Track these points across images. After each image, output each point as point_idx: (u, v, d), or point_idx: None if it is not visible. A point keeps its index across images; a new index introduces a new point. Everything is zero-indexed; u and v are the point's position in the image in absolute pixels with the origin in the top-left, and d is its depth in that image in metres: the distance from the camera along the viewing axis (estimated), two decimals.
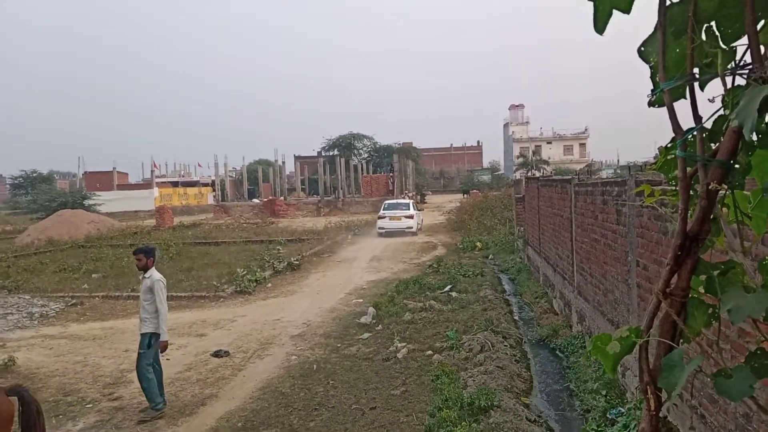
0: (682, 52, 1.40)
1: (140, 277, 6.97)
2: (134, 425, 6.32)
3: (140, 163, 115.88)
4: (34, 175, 78.08)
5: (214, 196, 52.95)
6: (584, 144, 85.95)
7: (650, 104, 1.50)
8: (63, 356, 8.91)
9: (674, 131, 1.41)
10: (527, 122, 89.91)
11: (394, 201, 29.53)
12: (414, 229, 25.52)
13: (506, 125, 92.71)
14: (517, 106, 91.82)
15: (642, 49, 1.49)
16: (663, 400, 1.53)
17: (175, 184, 68.03)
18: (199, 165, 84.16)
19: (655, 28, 1.41)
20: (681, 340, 1.46)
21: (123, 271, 16.64)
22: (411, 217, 25.72)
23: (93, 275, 16.16)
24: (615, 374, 1.57)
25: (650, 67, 1.49)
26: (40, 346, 9.51)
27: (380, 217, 26.18)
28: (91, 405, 6.93)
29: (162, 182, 66.54)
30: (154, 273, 6.92)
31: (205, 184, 69.39)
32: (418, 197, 49.22)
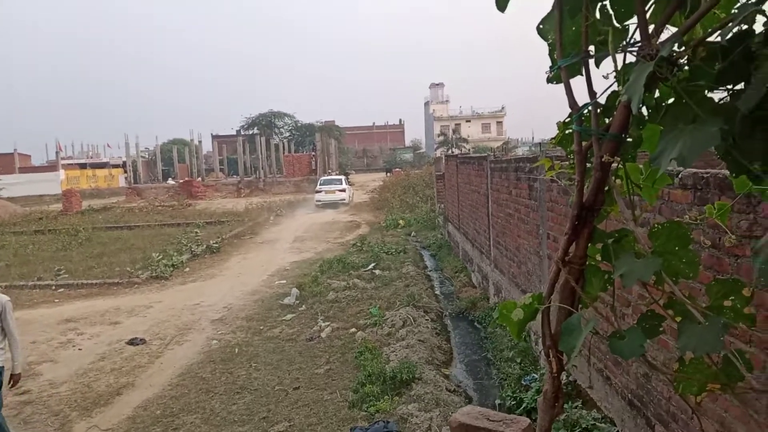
0: (578, 30, 1.44)
1: None
2: (45, 419, 6.00)
3: (44, 144, 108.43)
4: None
5: (126, 178, 50.50)
6: (501, 122, 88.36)
7: (548, 80, 1.55)
8: None
9: (570, 106, 1.47)
10: (447, 101, 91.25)
11: (329, 177, 33.46)
12: (346, 201, 29.36)
13: (427, 104, 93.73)
14: (438, 84, 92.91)
15: (541, 27, 1.53)
16: (565, 362, 1.62)
17: (83, 166, 64.25)
18: (109, 146, 79.76)
19: (553, 7, 1.45)
20: (580, 306, 1.54)
21: (27, 259, 15.63)
22: (344, 190, 29.60)
23: None
24: (521, 339, 1.64)
25: (548, 45, 1.53)
26: None
27: (317, 191, 29.60)
28: None
29: (69, 164, 62.61)
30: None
31: (116, 166, 65.95)
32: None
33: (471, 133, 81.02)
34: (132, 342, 8.33)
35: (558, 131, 1.57)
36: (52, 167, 60.95)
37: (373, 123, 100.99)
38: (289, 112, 70.86)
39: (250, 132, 64.43)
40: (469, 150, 52.13)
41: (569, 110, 1.49)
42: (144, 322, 9.47)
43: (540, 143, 19.63)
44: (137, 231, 20.93)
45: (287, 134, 69.93)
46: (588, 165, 1.46)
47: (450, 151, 53.34)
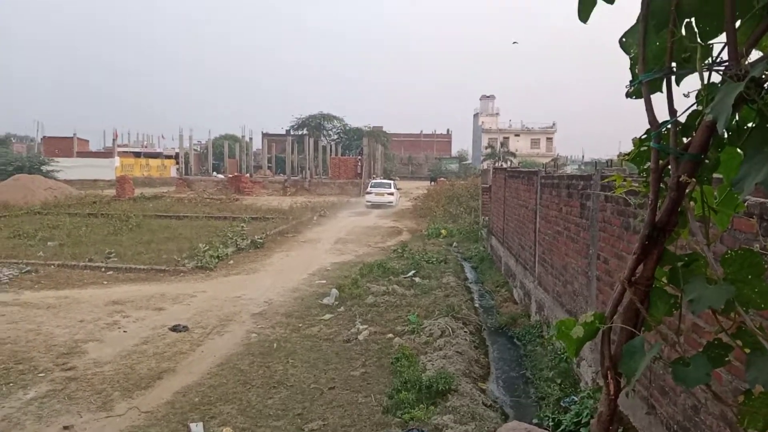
0: (662, 45, 1.41)
1: None
2: (88, 396, 6.20)
3: (102, 131, 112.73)
4: None
5: (177, 169, 51.98)
6: (551, 138, 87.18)
7: (628, 95, 1.52)
8: (15, 324, 8.66)
9: (650, 123, 1.44)
10: (497, 113, 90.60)
11: (379, 181, 37.15)
12: (393, 203, 32.28)
13: (476, 115, 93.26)
14: (488, 96, 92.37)
15: (623, 40, 1.51)
16: (622, 386, 1.58)
17: (137, 155, 66.39)
18: (163, 137, 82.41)
19: (638, 20, 1.43)
20: (643, 328, 1.50)
21: (80, 240, 16.23)
22: (392, 194, 32.72)
23: (49, 243, 15.71)
24: (577, 357, 1.60)
25: (630, 58, 1.51)
26: None
27: (368, 193, 32.92)
28: (43, 374, 6.76)
29: (124, 152, 64.78)
30: None
31: (169, 157, 67.96)
32: None
33: (519, 148, 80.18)
34: (175, 328, 8.54)
35: (633, 147, 1.53)
36: (108, 153, 63.22)
37: (421, 131, 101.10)
38: (339, 115, 71.56)
39: (300, 132, 65.41)
40: (517, 164, 51.54)
41: (645, 128, 1.46)
42: (187, 310, 9.69)
43: (595, 162, 19.23)
44: (185, 221, 21.47)
45: (335, 137, 70.68)
46: (662, 185, 1.43)
47: (497, 164, 52.89)
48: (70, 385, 6.51)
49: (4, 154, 48.97)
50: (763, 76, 1.20)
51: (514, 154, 68.23)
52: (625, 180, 1.86)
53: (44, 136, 67.30)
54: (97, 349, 7.72)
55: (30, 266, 12.54)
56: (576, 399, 5.65)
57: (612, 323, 1.53)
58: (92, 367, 7.05)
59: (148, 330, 8.55)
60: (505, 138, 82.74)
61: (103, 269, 12.74)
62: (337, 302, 10.17)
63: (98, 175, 50.58)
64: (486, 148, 74.51)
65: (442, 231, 20.53)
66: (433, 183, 48.72)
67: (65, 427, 5.49)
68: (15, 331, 8.30)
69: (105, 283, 11.70)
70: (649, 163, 1.46)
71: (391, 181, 36.22)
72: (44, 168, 43.72)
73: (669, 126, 1.40)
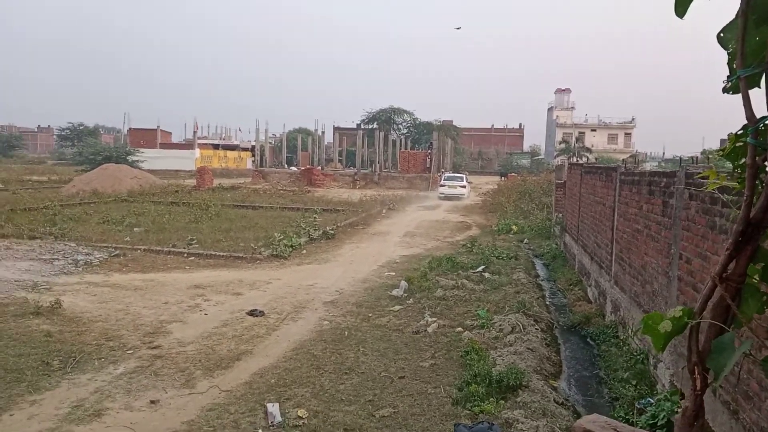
0: (762, 40, 1.40)
1: None
2: (172, 373, 6.59)
3: (183, 123, 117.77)
4: (81, 128, 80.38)
5: (253, 161, 53.58)
6: (630, 134, 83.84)
7: (725, 90, 1.51)
8: (106, 303, 9.28)
9: (747, 118, 1.43)
10: (573, 107, 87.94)
11: (452, 174, 39.09)
12: (465, 195, 34.12)
13: (550, 109, 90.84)
14: (564, 90, 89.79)
15: (721, 35, 1.50)
16: (709, 381, 1.58)
17: (215, 147, 68.98)
18: (240, 130, 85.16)
19: (737, 15, 1.42)
20: (732, 325, 1.50)
21: (164, 227, 17.12)
22: (464, 186, 34.68)
23: (135, 229, 16.66)
24: (663, 351, 1.61)
25: (728, 54, 1.50)
26: (84, 292, 9.92)
27: (441, 185, 34.96)
28: (131, 351, 7.23)
29: (203, 144, 67.48)
30: None
31: (245, 149, 70.18)
32: None
33: (595, 143, 77.56)
34: (252, 313, 8.90)
35: (729, 143, 1.53)
36: (189, 145, 65.98)
37: (492, 125, 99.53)
38: (409, 110, 71.56)
39: (370, 126, 65.87)
40: (594, 160, 49.90)
41: (743, 123, 1.45)
42: (263, 296, 10.08)
43: (679, 159, 18.44)
44: (261, 211, 22.21)
45: (405, 131, 70.73)
46: (758, 181, 1.42)
47: (572, 160, 51.41)
48: (156, 362, 6.93)
49: (94, 144, 52.24)
50: None
51: (589, 150, 66.12)
52: (718, 176, 1.83)
53: (130, 128, 71.03)
54: (181, 329, 8.16)
55: (118, 250, 13.36)
56: (652, 401, 5.51)
57: (701, 319, 1.53)
58: (176, 346, 7.47)
59: (227, 313, 8.96)
60: (580, 133, 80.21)
61: (185, 255, 13.41)
62: (406, 294, 10.28)
63: (180, 166, 52.97)
64: (560, 143, 72.51)
65: (513, 227, 20.24)
66: (503, 178, 47.99)
67: (152, 401, 5.85)
68: (105, 311, 8.90)
69: (187, 267, 12.32)
70: (744, 159, 1.45)
71: (463, 175, 38.17)
72: (130, 158, 46.27)
73: (767, 122, 1.39)
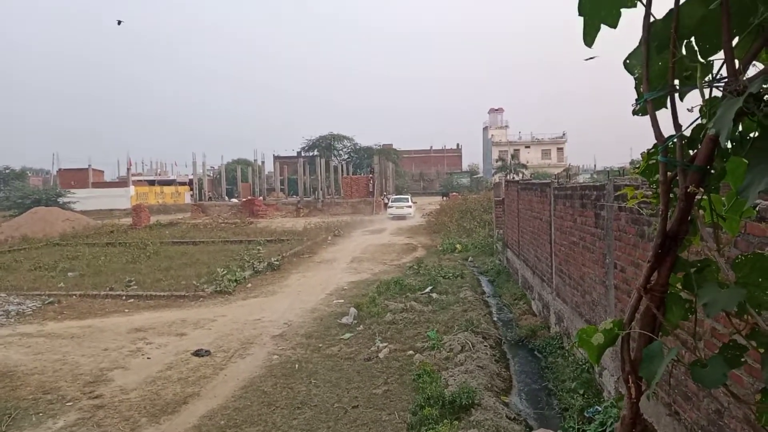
0: (665, 65, 1.51)
1: None
2: (116, 423, 6.29)
3: (116, 160, 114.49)
4: (7, 171, 76.62)
5: (192, 196, 52.52)
6: (562, 148, 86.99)
7: (634, 113, 1.61)
8: (41, 354, 8.81)
9: (656, 138, 1.53)
10: (506, 126, 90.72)
11: (399, 196, 43.40)
12: (412, 214, 37.65)
13: (485, 129, 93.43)
14: (497, 109, 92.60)
15: (627, 61, 1.60)
16: (643, 389, 1.64)
17: (151, 183, 67.29)
18: (176, 164, 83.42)
19: (640, 43, 1.52)
20: (660, 333, 1.58)
21: (100, 270, 16.47)
22: (410, 206, 38.59)
23: (69, 274, 15.95)
24: (598, 363, 1.67)
25: (635, 79, 1.60)
26: (18, 344, 9.39)
27: (389, 207, 39.06)
28: (71, 403, 6.88)
29: (138, 180, 65.73)
30: None
31: (183, 183, 68.75)
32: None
33: (530, 159, 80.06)
34: (197, 353, 8.64)
35: (642, 161, 1.62)
36: (123, 183, 64.10)
37: (431, 147, 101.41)
38: (349, 135, 72.05)
39: (311, 154, 65.90)
40: (528, 176, 51.46)
41: (653, 141, 1.54)
42: (209, 334, 9.80)
43: (607, 171, 19.22)
44: (202, 246, 21.70)
45: (346, 156, 71.11)
46: (671, 195, 1.51)
47: (508, 177, 52.83)
48: (98, 413, 6.61)
49: (21, 187, 49.86)
50: (761, 91, 1.29)
51: (525, 166, 68.13)
52: (636, 191, 1.94)
53: (60, 169, 68.48)
54: (123, 376, 7.83)
55: (52, 297, 12.74)
56: (600, 409, 5.65)
57: (630, 329, 1.61)
58: (119, 394, 7.16)
59: (172, 356, 8.65)
60: (515, 150, 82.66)
61: (123, 297, 12.92)
62: (355, 321, 10.23)
63: (114, 205, 51.32)
64: (497, 160, 74.48)
65: (457, 246, 20.55)
66: (445, 198, 48.79)
67: None
68: (41, 362, 8.44)
69: (126, 311, 11.86)
70: (658, 176, 1.54)
71: (407, 196, 42.59)
72: (61, 200, 44.46)
73: (675, 140, 1.48)
